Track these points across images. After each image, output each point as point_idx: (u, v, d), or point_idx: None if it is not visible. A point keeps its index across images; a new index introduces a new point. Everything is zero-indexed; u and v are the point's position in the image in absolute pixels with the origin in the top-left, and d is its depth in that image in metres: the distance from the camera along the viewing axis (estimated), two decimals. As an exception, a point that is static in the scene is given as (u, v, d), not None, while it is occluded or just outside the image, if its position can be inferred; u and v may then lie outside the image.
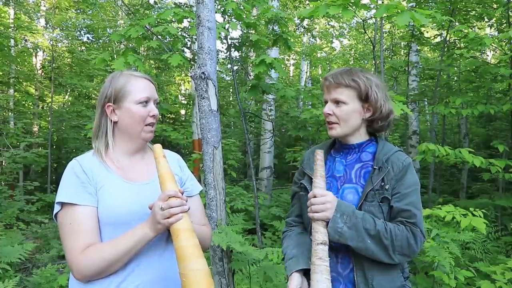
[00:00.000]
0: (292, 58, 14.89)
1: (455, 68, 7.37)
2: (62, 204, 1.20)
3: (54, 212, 1.22)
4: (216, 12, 3.47)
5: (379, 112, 1.36)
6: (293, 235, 1.48)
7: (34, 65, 10.84)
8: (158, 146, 1.26)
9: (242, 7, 4.11)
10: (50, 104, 9.76)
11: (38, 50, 10.26)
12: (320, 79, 14.80)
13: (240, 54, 7.38)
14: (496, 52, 9.63)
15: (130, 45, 6.49)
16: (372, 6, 3.58)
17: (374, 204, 1.29)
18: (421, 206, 1.35)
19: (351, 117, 1.35)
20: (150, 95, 1.30)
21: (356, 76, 1.34)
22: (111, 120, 1.30)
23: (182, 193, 1.17)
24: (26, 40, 9.99)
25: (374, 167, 1.33)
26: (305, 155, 1.53)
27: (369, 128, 1.42)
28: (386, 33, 10.37)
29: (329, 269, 1.19)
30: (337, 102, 1.35)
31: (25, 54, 10.25)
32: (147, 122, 1.30)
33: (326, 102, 1.40)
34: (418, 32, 6.49)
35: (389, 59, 9.63)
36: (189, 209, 1.16)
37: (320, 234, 1.22)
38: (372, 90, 1.34)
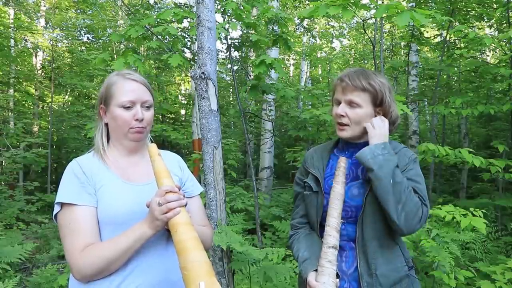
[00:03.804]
0: (292, 58, 14.89)
1: (455, 68, 7.37)
2: (62, 205, 1.20)
3: (54, 213, 1.22)
4: (216, 12, 3.47)
5: (390, 117, 1.38)
6: (301, 237, 1.48)
7: (34, 65, 10.84)
8: (152, 146, 1.25)
9: (242, 7, 4.11)
10: (50, 104, 9.77)
11: (38, 50, 10.26)
12: (320, 79, 14.86)
13: (240, 54, 7.39)
14: (496, 52, 9.63)
15: (130, 45, 6.50)
16: (372, 6, 3.58)
17: None
18: (425, 193, 1.34)
19: (363, 120, 1.36)
20: (135, 99, 1.26)
21: (372, 80, 1.34)
22: (104, 121, 1.31)
23: (179, 188, 1.17)
24: (26, 40, 9.99)
25: None
26: (307, 155, 1.53)
27: None
28: (386, 33, 10.37)
29: (336, 273, 1.21)
30: (351, 104, 1.35)
31: (25, 54, 10.25)
32: (132, 126, 1.26)
33: (338, 102, 1.39)
34: (418, 32, 6.49)
35: (389, 59, 9.63)
36: (186, 203, 1.16)
37: (332, 238, 1.24)
38: (386, 96, 1.36)
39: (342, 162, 1.35)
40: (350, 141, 1.43)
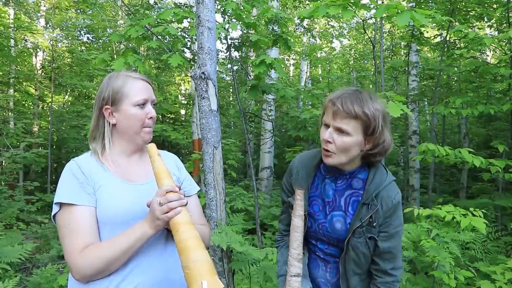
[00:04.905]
0: (292, 58, 14.89)
1: (455, 68, 7.38)
2: (61, 205, 1.20)
3: (53, 213, 1.22)
4: (216, 12, 3.47)
5: (380, 147, 1.30)
6: (283, 248, 1.52)
7: (34, 65, 10.83)
8: (152, 146, 1.26)
9: (242, 7, 4.11)
10: (50, 104, 9.77)
11: (38, 50, 10.25)
12: (320, 79, 14.86)
13: (240, 54, 7.39)
14: (496, 52, 9.63)
15: (130, 45, 6.50)
16: (372, 6, 3.58)
17: (361, 241, 1.31)
18: (401, 247, 1.40)
19: (351, 149, 1.27)
20: (147, 97, 1.30)
21: (366, 107, 1.23)
22: (109, 122, 1.29)
23: (180, 188, 1.18)
24: (26, 40, 9.98)
25: (363, 202, 1.30)
26: (293, 167, 1.47)
27: (364, 159, 1.36)
28: (386, 33, 10.37)
29: None
30: (340, 131, 1.26)
31: (25, 54, 10.24)
32: (145, 125, 1.30)
33: (327, 125, 1.29)
34: (418, 32, 6.49)
35: (389, 59, 9.63)
36: (187, 203, 1.17)
37: (294, 267, 1.32)
38: (379, 125, 1.26)
39: (298, 196, 1.34)
40: (337, 167, 1.37)
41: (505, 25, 6.00)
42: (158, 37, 4.34)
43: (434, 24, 6.74)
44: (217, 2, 4.36)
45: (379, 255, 1.33)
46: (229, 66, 7.96)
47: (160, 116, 10.91)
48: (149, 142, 1.32)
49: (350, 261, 1.33)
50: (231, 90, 11.86)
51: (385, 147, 1.31)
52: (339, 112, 1.24)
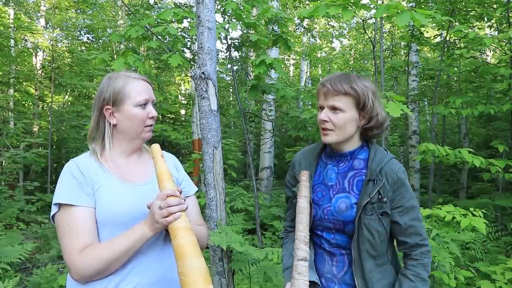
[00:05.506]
0: (292, 58, 14.89)
1: (455, 68, 7.38)
2: (60, 205, 1.19)
3: (52, 214, 1.22)
4: (216, 12, 3.47)
5: (375, 120, 1.36)
6: (289, 243, 1.51)
7: (34, 65, 10.84)
8: (156, 146, 1.26)
9: (242, 7, 4.11)
10: (50, 104, 9.77)
11: (38, 50, 10.26)
12: (320, 79, 14.85)
13: (240, 54, 7.39)
14: (496, 52, 9.63)
15: (130, 45, 6.49)
16: (372, 6, 3.58)
17: (373, 218, 1.31)
18: (421, 221, 1.38)
19: (347, 125, 1.34)
20: (148, 97, 1.30)
21: (354, 84, 1.32)
22: (110, 123, 1.29)
23: (180, 192, 1.18)
24: (26, 40, 9.99)
25: (368, 179, 1.33)
26: (296, 160, 1.52)
27: (362, 136, 1.41)
28: (386, 33, 10.37)
29: (308, 283, 1.24)
30: (334, 109, 1.33)
31: (25, 54, 10.25)
32: (146, 124, 1.30)
33: (321, 108, 1.37)
34: (418, 32, 6.49)
35: (389, 59, 9.63)
36: (187, 208, 1.17)
37: (300, 250, 1.28)
38: (369, 99, 1.33)
39: (303, 176, 1.35)
40: (336, 149, 1.42)
41: (505, 25, 6.00)
42: (158, 37, 4.34)
43: (434, 24, 6.74)
44: (217, 2, 4.36)
45: (403, 233, 1.34)
46: (229, 66, 7.96)
47: (160, 116, 10.92)
48: (149, 142, 1.32)
49: (364, 242, 1.31)
50: (231, 90, 11.86)
51: (380, 120, 1.37)
52: (330, 91, 1.32)
